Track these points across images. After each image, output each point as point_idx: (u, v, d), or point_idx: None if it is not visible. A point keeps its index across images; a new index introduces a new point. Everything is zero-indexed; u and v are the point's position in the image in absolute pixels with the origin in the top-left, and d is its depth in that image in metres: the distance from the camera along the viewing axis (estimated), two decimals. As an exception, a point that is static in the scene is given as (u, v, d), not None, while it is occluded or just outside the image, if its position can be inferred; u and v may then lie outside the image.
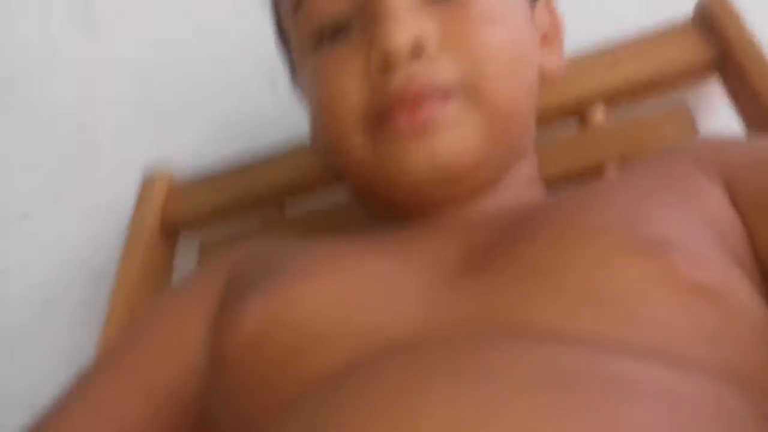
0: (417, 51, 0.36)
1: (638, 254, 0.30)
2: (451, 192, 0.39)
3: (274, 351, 0.32)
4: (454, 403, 0.23)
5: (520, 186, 0.42)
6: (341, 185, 0.60)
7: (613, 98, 0.59)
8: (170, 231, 0.68)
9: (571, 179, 0.56)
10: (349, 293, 0.34)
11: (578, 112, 0.60)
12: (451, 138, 0.36)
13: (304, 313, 0.33)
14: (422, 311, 0.32)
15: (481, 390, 0.24)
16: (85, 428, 0.36)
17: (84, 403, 0.37)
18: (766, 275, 0.33)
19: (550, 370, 0.25)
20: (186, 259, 0.69)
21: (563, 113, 0.60)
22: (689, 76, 0.59)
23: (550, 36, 0.46)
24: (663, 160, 0.40)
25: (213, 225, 0.67)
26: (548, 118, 0.58)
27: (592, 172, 0.56)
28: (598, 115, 0.59)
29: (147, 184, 0.70)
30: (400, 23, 0.36)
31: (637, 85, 0.59)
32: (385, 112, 0.36)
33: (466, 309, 0.31)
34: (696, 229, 0.32)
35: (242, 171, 0.67)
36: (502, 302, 0.30)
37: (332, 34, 0.39)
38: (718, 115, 0.60)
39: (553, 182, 0.54)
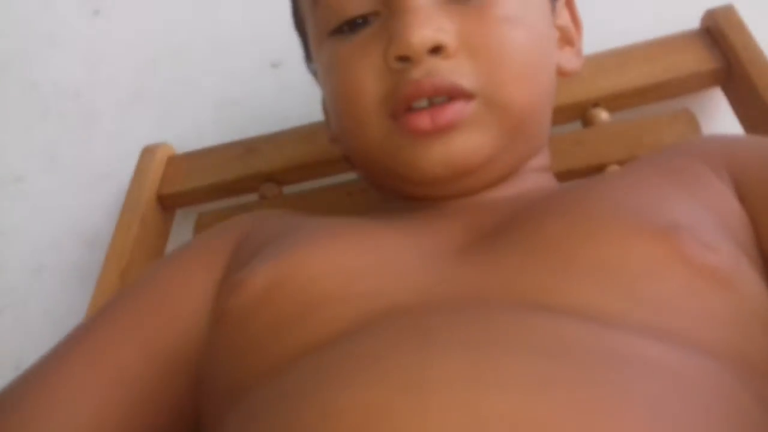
0: (437, 49, 0.36)
1: (649, 235, 0.30)
2: (463, 185, 0.39)
3: (275, 313, 0.32)
4: (458, 366, 0.24)
5: (533, 177, 0.43)
6: (345, 167, 0.61)
7: (617, 101, 0.60)
8: (167, 203, 0.68)
9: (573, 177, 0.57)
10: (353, 260, 0.34)
11: (582, 114, 0.61)
12: (466, 139, 0.37)
13: (308, 277, 0.33)
14: (427, 279, 0.32)
15: (485, 355, 0.24)
16: (83, 374, 0.36)
17: (83, 349, 0.37)
18: None
19: (554, 340, 0.25)
20: (182, 231, 0.69)
21: (567, 115, 0.60)
22: (695, 83, 0.60)
23: (570, 34, 0.47)
24: (669, 154, 0.40)
25: (210, 200, 0.67)
26: (553, 119, 0.59)
27: (595, 171, 0.56)
28: (602, 116, 0.59)
29: (146, 156, 0.70)
30: (421, 19, 0.36)
31: (640, 89, 0.59)
32: (405, 104, 0.37)
33: (471, 278, 0.31)
34: (704, 218, 0.33)
35: (242, 149, 0.67)
36: (508, 273, 0.31)
37: (351, 25, 0.39)
38: (721, 124, 0.60)
39: (556, 178, 0.54)
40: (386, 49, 0.37)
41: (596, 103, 0.60)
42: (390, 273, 0.33)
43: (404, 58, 0.36)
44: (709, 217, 0.33)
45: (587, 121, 0.60)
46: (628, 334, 0.27)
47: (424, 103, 0.37)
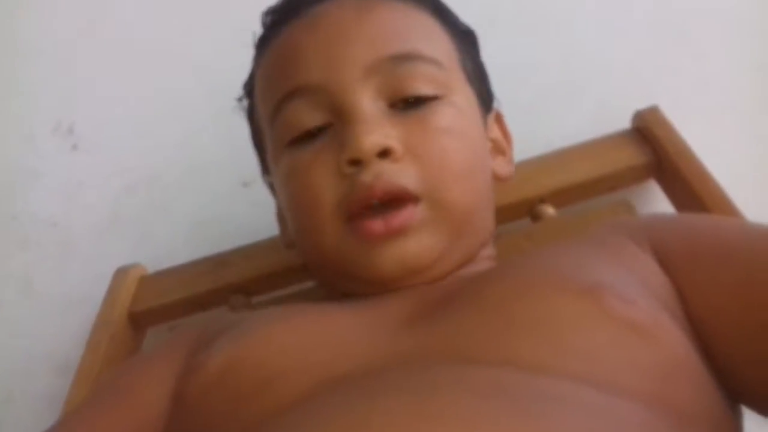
0: (384, 154, 0.40)
1: (573, 292, 0.33)
2: (415, 280, 0.42)
3: (236, 388, 0.34)
4: (400, 407, 0.26)
5: (479, 264, 0.46)
6: (307, 273, 0.63)
7: (561, 197, 0.64)
8: (138, 322, 0.69)
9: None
10: (307, 337, 0.36)
11: (530, 210, 0.64)
12: (418, 240, 0.40)
13: (265, 353, 0.35)
14: (376, 348, 0.34)
15: (424, 396, 0.26)
16: None
17: None
18: (698, 327, 0.35)
19: (491, 384, 0.28)
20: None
21: (517, 211, 0.64)
22: (630, 177, 0.64)
23: (501, 145, 0.52)
24: (597, 231, 0.44)
25: (181, 316, 0.69)
26: (504, 216, 0.62)
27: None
28: (549, 211, 0.63)
29: (118, 277, 0.72)
30: (370, 127, 0.40)
31: (582, 185, 0.64)
32: (358, 209, 0.40)
33: (414, 344, 0.34)
34: (623, 278, 0.36)
35: (212, 263, 0.69)
36: (447, 335, 0.33)
37: (307, 136, 0.43)
38: (658, 212, 0.64)
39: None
40: (339, 155, 0.41)
41: (543, 200, 0.64)
42: (342, 345, 0.35)
43: (356, 162, 0.40)
44: (628, 278, 0.36)
45: (535, 217, 0.63)
46: (556, 378, 0.29)
47: (375, 203, 0.40)
